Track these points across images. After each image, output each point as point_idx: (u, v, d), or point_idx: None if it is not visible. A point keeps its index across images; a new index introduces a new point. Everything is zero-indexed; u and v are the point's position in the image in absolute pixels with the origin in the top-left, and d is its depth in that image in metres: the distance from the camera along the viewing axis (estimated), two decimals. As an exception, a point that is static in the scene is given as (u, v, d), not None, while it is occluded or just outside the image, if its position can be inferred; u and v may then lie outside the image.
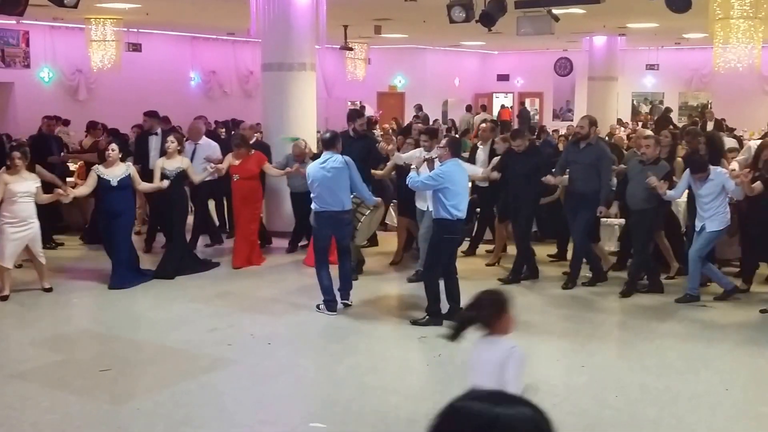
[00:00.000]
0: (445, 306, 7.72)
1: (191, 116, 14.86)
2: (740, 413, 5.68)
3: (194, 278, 9.54)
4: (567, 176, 8.91)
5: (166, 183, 9.27)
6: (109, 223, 9.01)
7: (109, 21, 16.11)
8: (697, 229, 8.32)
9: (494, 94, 29.57)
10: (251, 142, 10.91)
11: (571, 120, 25.02)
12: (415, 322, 7.61)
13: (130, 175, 8.97)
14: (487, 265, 10.13)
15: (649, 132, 11.42)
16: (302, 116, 11.69)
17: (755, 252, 8.91)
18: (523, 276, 9.31)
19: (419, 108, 22.80)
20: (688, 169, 8.37)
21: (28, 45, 18.31)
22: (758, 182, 8.17)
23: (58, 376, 6.34)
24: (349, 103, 25.71)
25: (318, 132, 11.86)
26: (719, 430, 5.44)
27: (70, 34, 18.30)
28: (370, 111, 25.51)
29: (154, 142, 11.10)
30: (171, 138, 9.60)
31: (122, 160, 9.18)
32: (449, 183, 7.37)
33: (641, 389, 6.11)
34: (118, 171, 8.89)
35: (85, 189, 9.11)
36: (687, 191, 8.69)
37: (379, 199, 8.66)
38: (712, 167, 8.28)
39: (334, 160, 7.91)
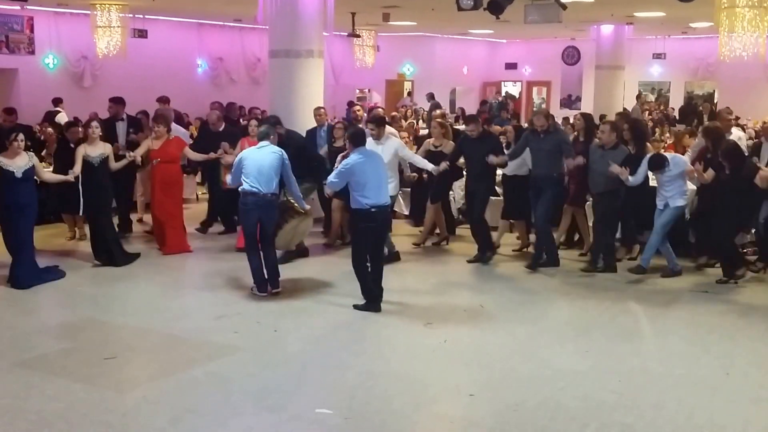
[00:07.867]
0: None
1: (198, 103, 14.91)
2: (740, 397, 5.77)
3: (200, 266, 9.60)
4: (506, 158, 9.50)
5: (72, 176, 8.99)
6: (15, 217, 8.45)
7: (115, 7, 16.03)
8: (661, 207, 8.87)
9: (502, 83, 29.51)
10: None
11: (579, 109, 24.97)
12: (355, 307, 7.80)
13: (33, 165, 8.60)
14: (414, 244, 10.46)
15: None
16: (309, 103, 11.65)
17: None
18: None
19: (431, 96, 22.72)
20: (648, 158, 8.90)
21: (32, 31, 18.19)
22: (710, 170, 8.64)
23: (62, 364, 6.35)
24: (357, 91, 25.69)
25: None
26: (719, 414, 5.50)
27: (75, 20, 18.25)
28: (377, 98, 25.49)
29: (121, 128, 11.23)
30: (95, 123, 9.51)
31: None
32: (353, 174, 7.66)
33: (643, 374, 6.21)
34: (21, 162, 8.39)
35: None
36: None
37: (309, 207, 8.81)
38: (670, 156, 9.04)
39: (270, 146, 8.24)
